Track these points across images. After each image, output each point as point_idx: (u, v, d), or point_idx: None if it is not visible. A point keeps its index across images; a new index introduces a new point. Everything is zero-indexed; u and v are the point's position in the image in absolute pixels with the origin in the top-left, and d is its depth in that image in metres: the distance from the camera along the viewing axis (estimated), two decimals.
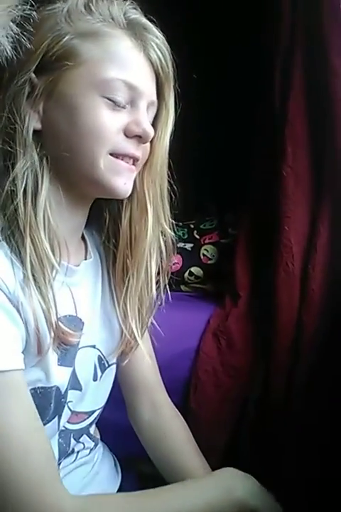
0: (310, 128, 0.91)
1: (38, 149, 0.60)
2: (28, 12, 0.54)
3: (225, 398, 0.98)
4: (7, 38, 0.54)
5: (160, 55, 0.64)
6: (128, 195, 0.65)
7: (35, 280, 0.57)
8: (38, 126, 0.60)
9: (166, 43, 0.65)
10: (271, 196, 0.96)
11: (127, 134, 0.62)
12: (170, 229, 0.72)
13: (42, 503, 0.51)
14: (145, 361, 0.80)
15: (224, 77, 1.32)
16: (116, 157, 0.62)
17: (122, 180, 0.63)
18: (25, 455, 0.51)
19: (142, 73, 0.62)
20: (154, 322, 0.77)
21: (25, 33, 0.55)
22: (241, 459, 0.97)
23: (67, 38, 0.58)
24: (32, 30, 0.56)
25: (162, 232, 0.71)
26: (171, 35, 0.66)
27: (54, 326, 0.58)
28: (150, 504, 0.59)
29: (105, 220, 0.73)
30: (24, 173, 0.58)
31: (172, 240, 0.73)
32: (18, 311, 0.55)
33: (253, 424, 0.97)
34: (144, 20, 0.63)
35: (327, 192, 0.90)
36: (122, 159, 0.62)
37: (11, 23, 0.54)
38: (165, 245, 0.72)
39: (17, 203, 0.57)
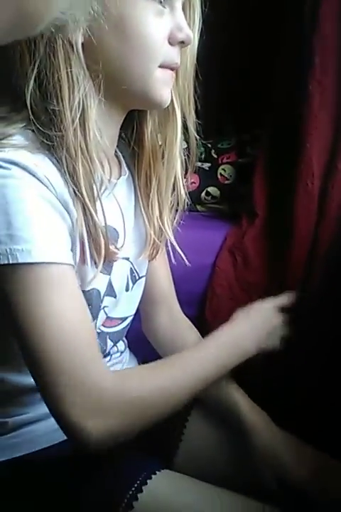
0: None
1: (84, 65, 0.56)
2: None
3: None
4: None
5: None
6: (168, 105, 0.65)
7: (85, 197, 0.57)
8: (82, 40, 0.56)
9: None
10: (294, 111, 0.93)
11: (171, 41, 0.60)
12: (195, 131, 0.71)
13: (87, 379, 0.55)
14: (163, 272, 0.82)
15: None
16: (165, 68, 0.61)
17: (167, 91, 0.63)
18: (73, 340, 0.55)
19: None
20: (171, 239, 0.76)
21: None
22: (250, 373, 1.01)
23: None
24: None
25: (188, 135, 0.71)
26: None
27: (103, 240, 0.59)
28: (176, 370, 0.65)
29: (133, 129, 0.72)
30: (72, 91, 0.55)
31: (196, 142, 0.72)
32: (67, 211, 0.56)
33: None
34: None
35: None
36: (170, 69, 0.62)
37: None
38: (191, 147, 0.72)
39: (65, 126, 0.55)
